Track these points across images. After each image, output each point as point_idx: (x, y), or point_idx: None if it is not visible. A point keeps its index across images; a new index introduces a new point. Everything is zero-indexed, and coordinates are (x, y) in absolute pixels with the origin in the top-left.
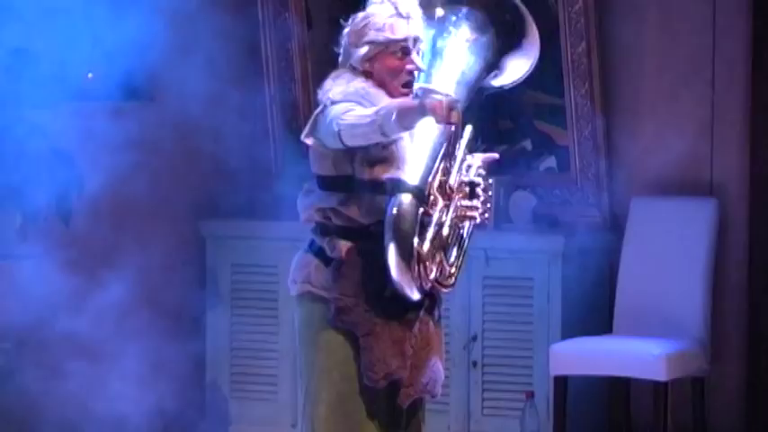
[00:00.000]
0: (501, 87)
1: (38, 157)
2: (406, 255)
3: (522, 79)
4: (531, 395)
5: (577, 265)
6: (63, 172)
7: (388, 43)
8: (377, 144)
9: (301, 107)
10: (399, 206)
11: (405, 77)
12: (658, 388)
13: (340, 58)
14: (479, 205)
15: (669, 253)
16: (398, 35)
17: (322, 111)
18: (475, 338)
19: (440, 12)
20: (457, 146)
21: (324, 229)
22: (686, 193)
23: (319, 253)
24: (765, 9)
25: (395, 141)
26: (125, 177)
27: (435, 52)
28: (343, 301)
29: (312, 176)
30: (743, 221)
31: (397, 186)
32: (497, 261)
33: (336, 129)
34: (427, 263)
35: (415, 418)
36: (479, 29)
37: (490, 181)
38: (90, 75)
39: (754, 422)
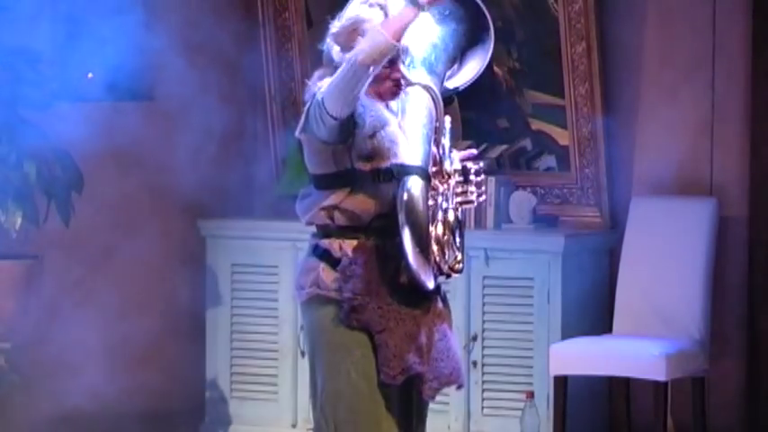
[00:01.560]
0: (456, 90)
1: (38, 156)
2: (423, 238)
3: (473, 80)
4: (531, 395)
5: (577, 265)
6: (63, 172)
7: None
8: (362, 138)
9: (302, 107)
10: (410, 190)
11: (388, 86)
12: (658, 388)
13: (324, 55)
14: (474, 188)
15: (669, 253)
16: None
17: (311, 105)
18: (475, 338)
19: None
20: (442, 134)
21: (327, 231)
22: (686, 193)
23: (324, 255)
24: (765, 9)
25: (377, 132)
26: (125, 177)
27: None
28: (356, 300)
29: (309, 180)
30: (743, 221)
31: (403, 170)
32: (497, 261)
33: (320, 99)
34: (444, 246)
35: (424, 414)
36: (445, 19)
37: (481, 164)
38: (90, 75)
39: (754, 422)
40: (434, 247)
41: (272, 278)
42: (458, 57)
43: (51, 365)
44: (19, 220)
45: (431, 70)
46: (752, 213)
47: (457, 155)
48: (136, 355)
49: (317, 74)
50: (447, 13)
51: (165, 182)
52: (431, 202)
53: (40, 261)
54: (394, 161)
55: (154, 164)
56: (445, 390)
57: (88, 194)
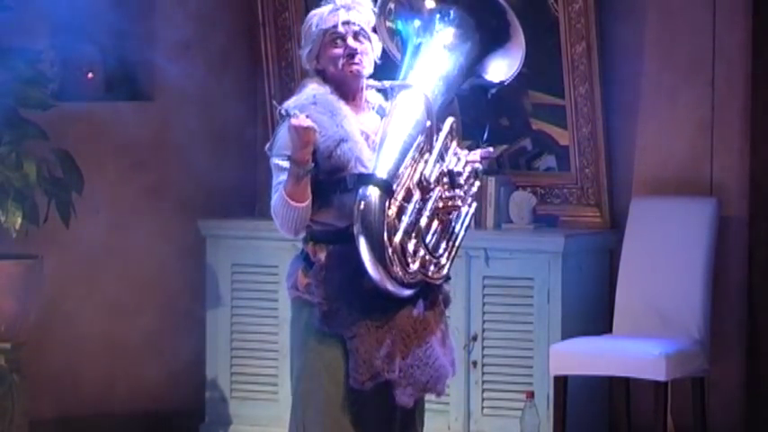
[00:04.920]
0: (502, 83)
1: (38, 156)
2: (377, 248)
3: (511, 78)
4: (531, 395)
5: (577, 265)
6: (63, 172)
7: (321, 35)
8: (322, 154)
9: None
10: (364, 199)
11: (344, 62)
12: (658, 388)
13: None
14: (462, 194)
15: (669, 253)
16: (328, 24)
17: (281, 124)
18: (475, 338)
19: (430, 3)
20: (434, 138)
21: (308, 235)
22: (686, 193)
23: (304, 259)
24: (765, 10)
25: (332, 152)
26: (125, 177)
27: (415, 50)
28: (327, 305)
29: None
30: (743, 221)
31: (360, 181)
32: (497, 261)
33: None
34: (406, 255)
35: (412, 421)
36: (464, 34)
37: (476, 166)
38: (90, 75)
39: (754, 422)
40: (393, 257)
41: (272, 278)
42: (480, 57)
43: (51, 365)
44: (19, 220)
45: (436, 74)
46: (752, 213)
47: (466, 154)
48: (136, 354)
49: (300, 84)
50: (463, 15)
51: (164, 182)
52: (393, 211)
53: (40, 261)
54: (351, 172)
55: (153, 164)
56: (445, 390)
57: (88, 194)
